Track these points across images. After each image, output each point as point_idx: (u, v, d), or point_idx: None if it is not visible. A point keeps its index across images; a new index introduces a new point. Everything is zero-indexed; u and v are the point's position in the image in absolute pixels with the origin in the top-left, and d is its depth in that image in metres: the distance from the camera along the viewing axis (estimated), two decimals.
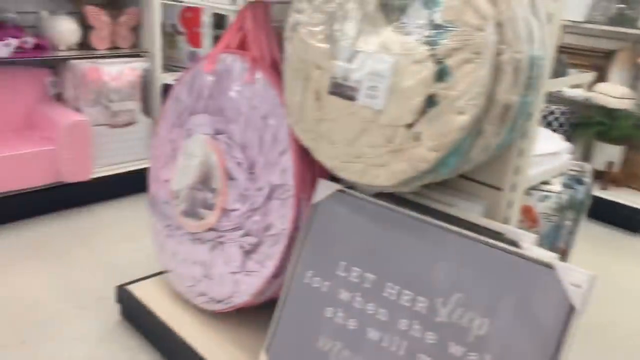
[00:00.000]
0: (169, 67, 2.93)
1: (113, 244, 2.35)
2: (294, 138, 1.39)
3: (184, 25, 2.99)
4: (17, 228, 2.40)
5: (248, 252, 1.52)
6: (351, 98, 1.16)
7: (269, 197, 1.46)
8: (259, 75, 1.50)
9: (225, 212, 1.56)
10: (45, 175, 2.43)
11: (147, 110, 2.84)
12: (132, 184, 2.82)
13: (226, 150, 1.55)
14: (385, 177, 1.14)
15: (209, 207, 1.59)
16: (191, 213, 1.65)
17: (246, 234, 1.51)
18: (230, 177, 1.54)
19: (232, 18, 3.38)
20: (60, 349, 1.71)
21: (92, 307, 1.91)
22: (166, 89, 2.82)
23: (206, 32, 2.96)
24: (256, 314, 1.63)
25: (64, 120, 2.43)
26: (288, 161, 1.40)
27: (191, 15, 2.96)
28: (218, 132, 1.60)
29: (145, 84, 2.77)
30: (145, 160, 2.83)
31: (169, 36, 3.05)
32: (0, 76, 2.56)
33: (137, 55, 2.76)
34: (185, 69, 3.01)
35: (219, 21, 3.29)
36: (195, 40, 2.98)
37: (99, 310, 1.89)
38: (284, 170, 1.42)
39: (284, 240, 1.43)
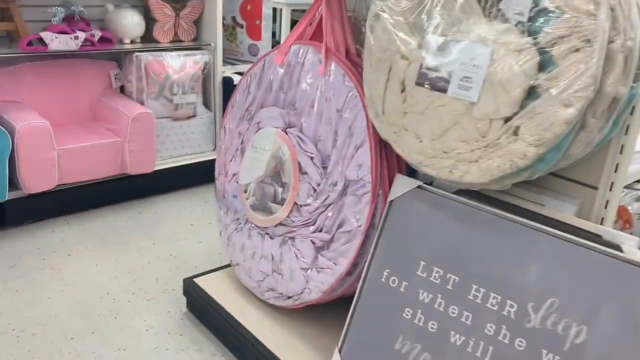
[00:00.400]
0: (228, 60, 2.92)
1: (175, 235, 2.36)
2: (371, 132, 1.34)
3: (243, 18, 2.98)
4: (84, 219, 2.45)
5: (320, 249, 1.48)
6: (441, 89, 1.10)
7: (343, 193, 1.42)
8: (333, 66, 1.45)
9: (297, 207, 1.53)
10: (111, 167, 2.46)
11: (208, 103, 2.85)
12: (193, 176, 2.84)
13: (298, 144, 1.52)
14: (476, 174, 1.08)
15: (280, 201, 1.57)
16: (260, 207, 1.63)
17: (318, 230, 1.48)
18: (302, 172, 1.51)
19: (287, 12, 3.36)
20: (128, 340, 1.72)
21: (159, 298, 1.92)
22: (226, 82, 2.82)
23: (266, 24, 2.93)
24: (324, 311, 1.60)
25: (128, 112, 2.46)
26: (365, 156, 1.36)
27: (251, 8, 2.94)
28: (289, 126, 1.57)
29: (206, 77, 2.78)
30: (206, 153, 2.85)
31: (229, 29, 3.05)
32: (68, 69, 2.61)
33: (199, 49, 2.77)
34: (244, 62, 3.02)
35: (274, 15, 3.27)
36: (255, 33, 2.96)
37: (166, 303, 1.90)
38: (359, 165, 1.37)
39: (359, 238, 1.38)
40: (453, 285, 1.24)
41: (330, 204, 1.44)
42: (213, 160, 2.80)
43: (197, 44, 2.79)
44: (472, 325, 1.20)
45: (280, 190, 1.57)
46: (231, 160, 1.77)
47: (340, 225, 1.43)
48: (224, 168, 1.81)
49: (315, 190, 1.48)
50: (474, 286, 1.22)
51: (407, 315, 1.29)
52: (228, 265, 1.89)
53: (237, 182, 1.73)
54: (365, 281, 1.38)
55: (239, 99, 1.76)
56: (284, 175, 1.55)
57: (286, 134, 1.56)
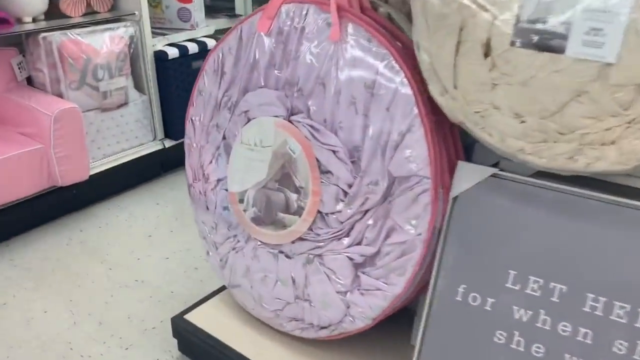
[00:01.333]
0: (155, 30, 2.43)
1: (133, 253, 1.94)
2: (423, 111, 1.02)
3: None
4: (14, 249, 1.96)
5: (361, 265, 1.16)
6: (555, 49, 0.79)
7: (388, 193, 1.10)
8: (351, 28, 1.10)
9: (321, 216, 1.19)
10: (36, 181, 1.97)
11: (140, 85, 2.37)
12: (135, 174, 2.40)
13: (312, 134, 1.17)
14: (614, 159, 0.80)
15: (295, 211, 1.22)
16: (267, 220, 1.27)
17: (356, 243, 1.16)
18: (323, 171, 1.16)
19: None
20: None
21: (140, 344, 1.54)
22: (159, 57, 2.35)
23: None
24: (360, 336, 1.30)
25: (47, 110, 1.96)
26: (417, 144, 1.04)
27: None
28: (293, 112, 1.21)
29: (134, 54, 2.30)
30: (146, 145, 2.40)
31: None
32: None
33: (120, 20, 2.27)
34: (175, 30, 2.55)
35: None
36: None
37: (150, 348, 1.52)
38: (410, 157, 1.05)
39: (420, 249, 1.08)
40: (560, 297, 0.98)
41: (369, 209, 1.12)
42: (156, 153, 2.37)
43: (116, 15, 2.28)
44: (594, 345, 0.95)
45: (294, 196, 1.22)
46: (211, 162, 1.39)
47: (388, 235, 1.11)
48: (201, 172, 1.42)
49: (346, 193, 1.15)
50: (590, 295, 0.96)
51: (499, 339, 1.02)
52: (221, 289, 1.53)
53: (227, 190, 1.35)
54: (434, 302, 1.09)
55: (209, 83, 1.36)
56: (298, 178, 1.20)
57: (291, 123, 1.20)
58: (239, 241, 1.36)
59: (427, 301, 1.10)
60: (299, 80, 1.19)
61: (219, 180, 1.38)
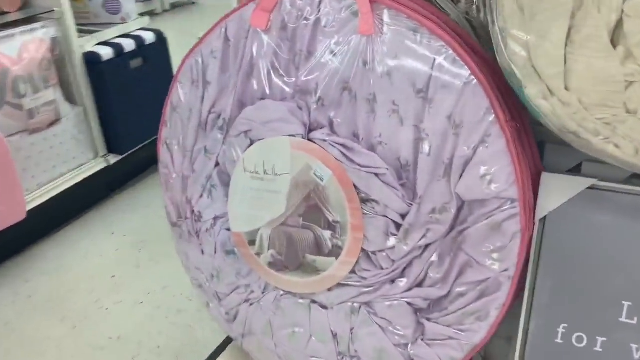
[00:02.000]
0: (80, 28, 2.05)
1: (98, 302, 1.62)
2: (503, 117, 0.80)
3: None
4: None
5: (425, 312, 0.94)
6: None
7: (459, 222, 0.87)
8: (387, 17, 0.84)
9: (366, 255, 0.95)
10: None
11: (71, 96, 2.00)
12: (79, 201, 2.04)
13: (343, 155, 0.91)
14: None
15: (330, 251, 0.97)
16: (292, 265, 1.01)
17: (417, 284, 0.93)
18: (365, 199, 0.92)
19: None
20: None
21: None
22: (90, 60, 1.98)
23: None
24: None
25: None
26: (497, 157, 0.81)
27: None
28: (312, 128, 0.94)
29: (60, 59, 1.91)
30: (87, 166, 2.04)
31: None
32: None
33: (37, 19, 1.87)
34: (104, 26, 2.16)
35: None
36: None
37: None
38: (487, 175, 0.82)
39: (506, 287, 0.86)
40: None
41: (431, 243, 0.89)
42: (100, 173, 2.05)
43: (31, 14, 1.88)
44: None
45: (327, 234, 0.96)
46: (202, 196, 1.10)
47: (461, 273, 0.89)
48: (188, 209, 1.13)
49: (398, 225, 0.91)
50: None
51: None
52: (227, 341, 1.26)
53: (229, 230, 1.08)
54: (528, 348, 0.88)
55: (187, 96, 1.07)
56: (330, 210, 0.95)
57: (313, 142, 0.94)
58: (253, 291, 1.09)
59: (518, 348, 0.89)
60: (317, 87, 0.92)
61: (216, 219, 1.10)
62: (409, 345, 0.96)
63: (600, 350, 0.84)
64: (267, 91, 0.97)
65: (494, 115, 0.80)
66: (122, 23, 2.12)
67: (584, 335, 0.84)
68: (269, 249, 1.03)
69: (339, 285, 0.99)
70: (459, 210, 0.86)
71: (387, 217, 0.91)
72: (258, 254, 1.05)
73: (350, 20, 0.88)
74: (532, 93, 0.71)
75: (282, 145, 0.96)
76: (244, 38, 0.98)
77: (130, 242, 1.88)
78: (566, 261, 0.85)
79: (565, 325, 0.85)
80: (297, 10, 0.92)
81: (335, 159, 0.92)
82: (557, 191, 0.84)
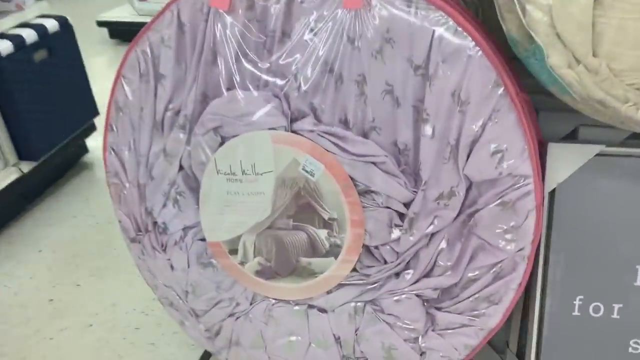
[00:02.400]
0: None
1: (39, 331, 1.43)
2: (513, 90, 0.74)
3: None
4: None
5: (434, 301, 0.88)
6: None
7: (469, 204, 0.81)
8: None
9: (368, 250, 0.87)
10: None
11: None
12: None
13: (335, 145, 0.82)
14: None
15: (328, 251, 0.88)
16: (283, 271, 0.92)
17: (424, 275, 0.86)
18: (363, 191, 0.84)
19: None
20: None
21: None
22: None
23: None
24: None
25: None
26: (508, 133, 0.75)
27: None
28: (294, 117, 0.84)
29: None
30: None
31: None
32: None
33: None
34: None
35: None
36: None
37: None
38: (497, 152, 0.76)
39: (521, 267, 0.82)
40: None
41: (440, 230, 0.83)
42: (13, 184, 1.88)
43: None
44: None
45: (322, 233, 0.87)
46: (165, 206, 0.97)
47: (473, 258, 0.84)
48: (149, 221, 0.99)
49: (402, 215, 0.84)
50: None
51: (635, 348, 0.83)
52: (205, 356, 1.15)
53: (203, 240, 0.96)
54: (545, 325, 0.85)
55: (136, 94, 0.92)
56: (325, 207, 0.86)
57: (298, 134, 0.84)
58: (238, 304, 0.98)
59: (535, 326, 0.86)
60: (297, 71, 0.82)
61: (186, 229, 0.97)
62: (420, 339, 0.91)
63: (618, 317, 0.83)
64: (237, 80, 0.85)
65: (503, 88, 0.74)
66: (18, 11, 1.85)
67: (600, 305, 0.83)
68: (255, 257, 0.93)
69: (340, 285, 0.91)
70: (467, 192, 0.81)
71: (389, 207, 0.84)
72: (242, 263, 0.94)
73: None
74: (555, 62, 0.66)
75: (261, 140, 0.85)
76: (203, 21, 0.85)
77: (63, 258, 1.68)
78: (578, 232, 0.82)
79: (582, 297, 0.83)
80: None
81: (326, 150, 0.83)
82: (565, 161, 0.81)
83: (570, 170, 0.80)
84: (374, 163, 0.82)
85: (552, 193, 0.82)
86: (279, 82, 0.84)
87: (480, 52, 0.73)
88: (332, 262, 0.88)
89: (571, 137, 0.87)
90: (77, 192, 2.03)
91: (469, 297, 0.86)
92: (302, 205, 0.87)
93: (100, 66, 3.25)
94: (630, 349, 0.84)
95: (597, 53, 0.63)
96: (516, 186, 0.78)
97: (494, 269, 0.83)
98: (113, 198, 1.04)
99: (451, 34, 0.74)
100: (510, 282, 0.83)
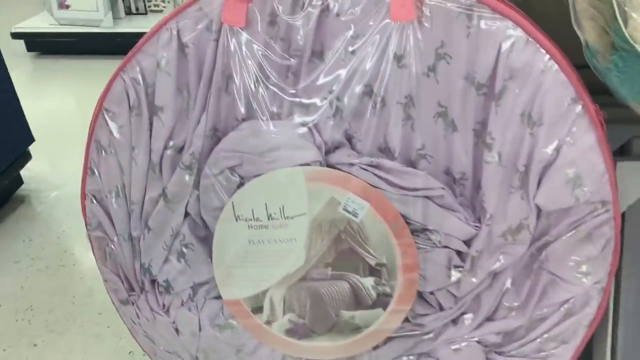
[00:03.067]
0: None
1: None
2: (592, 108, 0.65)
3: None
4: None
5: (496, 346, 0.78)
6: None
7: (539, 236, 0.71)
8: None
9: (421, 297, 0.76)
10: None
11: None
12: None
13: (381, 179, 0.70)
14: None
15: (375, 302, 0.76)
16: (320, 328, 0.78)
17: (486, 319, 0.76)
18: (417, 230, 0.72)
19: None
20: None
21: None
22: None
23: None
24: None
25: None
26: (587, 156, 0.66)
27: None
28: (329, 150, 0.71)
29: None
30: None
31: None
32: None
33: None
34: None
35: None
36: None
37: None
38: (574, 178, 0.67)
39: (596, 301, 0.73)
40: None
41: (505, 269, 0.73)
42: None
43: None
44: None
45: (368, 281, 0.75)
46: (167, 261, 0.81)
47: (543, 296, 0.74)
48: (147, 280, 0.83)
49: (461, 254, 0.73)
50: None
51: None
52: None
53: (219, 299, 0.80)
54: (619, 357, 0.77)
55: (127, 130, 0.76)
56: (372, 252, 0.73)
57: (335, 168, 0.71)
58: None
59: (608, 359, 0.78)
60: (331, 96, 0.69)
61: (195, 287, 0.82)
62: None
63: None
64: (257, 109, 0.71)
65: (581, 106, 0.65)
66: None
67: None
68: (285, 313, 0.79)
69: (388, 339, 0.79)
70: (536, 223, 0.71)
71: (448, 247, 0.73)
72: (269, 322, 0.80)
73: (376, 3, 0.66)
74: None
75: (292, 178, 0.72)
76: (212, 41, 0.70)
77: (13, 312, 1.44)
78: None
79: None
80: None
81: (371, 185, 0.71)
82: (637, 181, 0.73)
83: None
84: (428, 197, 0.71)
85: (623, 216, 0.75)
86: (310, 109, 0.71)
87: (555, 67, 0.64)
88: (380, 314, 0.76)
89: (623, 151, 0.80)
90: (17, 232, 1.78)
91: (536, 339, 0.76)
92: (343, 251, 0.74)
93: (19, 83, 2.94)
94: None
95: None
96: (594, 213, 0.69)
97: (565, 305, 0.74)
98: (96, 254, 0.86)
99: (521, 46, 0.64)
100: (584, 318, 0.75)
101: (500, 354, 0.79)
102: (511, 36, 0.64)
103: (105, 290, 0.90)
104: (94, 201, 0.82)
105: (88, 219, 0.84)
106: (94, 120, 0.78)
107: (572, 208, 0.69)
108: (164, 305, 0.84)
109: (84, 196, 0.83)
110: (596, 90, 0.66)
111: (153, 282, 0.83)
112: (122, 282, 0.85)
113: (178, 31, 0.71)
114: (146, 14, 3.00)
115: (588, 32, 0.62)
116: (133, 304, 0.86)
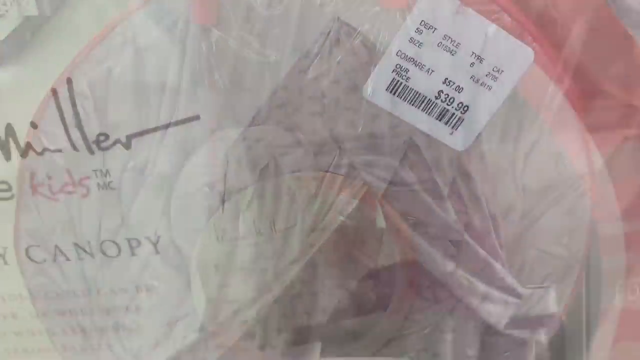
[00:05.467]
0: None
1: None
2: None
3: None
4: None
5: (491, 329, 0.79)
6: None
7: (525, 214, 0.73)
8: None
9: (419, 294, 0.74)
10: None
11: None
12: None
13: (372, 174, 0.67)
14: None
15: (373, 305, 0.72)
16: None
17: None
18: (414, 223, 0.70)
19: None
20: None
21: None
22: None
23: None
24: None
25: None
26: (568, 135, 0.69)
27: None
28: (319, 151, 0.67)
29: None
30: None
31: None
32: None
33: None
34: None
35: None
36: None
37: None
38: (557, 154, 0.69)
39: (575, 270, 0.77)
40: None
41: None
42: None
43: None
44: None
45: (367, 283, 0.71)
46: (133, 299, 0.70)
47: (531, 271, 0.76)
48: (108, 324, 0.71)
49: (456, 243, 0.72)
50: None
51: None
52: None
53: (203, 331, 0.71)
54: (593, 318, 0.82)
55: (72, 154, 0.65)
56: (367, 252, 0.69)
57: (325, 172, 0.66)
58: None
59: (584, 318, 0.83)
60: (320, 94, 0.65)
61: (171, 323, 0.72)
62: None
63: None
64: (242, 111, 0.64)
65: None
66: None
67: None
68: (279, 333, 0.73)
69: (388, 340, 0.76)
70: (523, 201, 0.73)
71: (444, 238, 0.72)
72: (262, 347, 0.73)
73: None
74: None
75: (283, 186, 0.66)
76: (177, 42, 0.61)
77: None
78: None
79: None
80: None
81: (364, 182, 0.67)
82: None
83: None
84: (419, 189, 0.69)
85: None
86: (297, 107, 0.65)
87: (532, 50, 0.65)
88: (380, 316, 0.73)
89: None
90: None
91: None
92: (339, 254, 0.70)
93: None
94: None
95: None
96: (575, 187, 0.72)
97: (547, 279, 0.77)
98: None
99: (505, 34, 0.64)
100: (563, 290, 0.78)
101: (494, 334, 0.80)
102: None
103: None
104: (30, 261, 0.69)
105: (26, 272, 0.70)
106: (27, 146, 0.65)
107: (553, 185, 0.72)
108: (132, 351, 0.73)
109: (19, 238, 0.69)
110: None
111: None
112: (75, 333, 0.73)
113: (133, 34, 0.61)
114: None
115: None
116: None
